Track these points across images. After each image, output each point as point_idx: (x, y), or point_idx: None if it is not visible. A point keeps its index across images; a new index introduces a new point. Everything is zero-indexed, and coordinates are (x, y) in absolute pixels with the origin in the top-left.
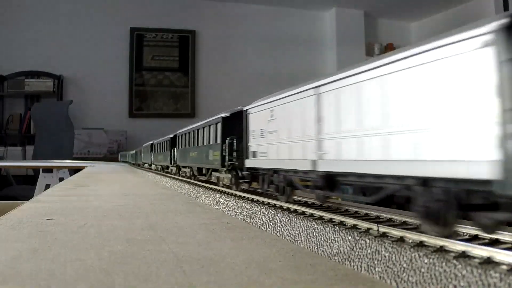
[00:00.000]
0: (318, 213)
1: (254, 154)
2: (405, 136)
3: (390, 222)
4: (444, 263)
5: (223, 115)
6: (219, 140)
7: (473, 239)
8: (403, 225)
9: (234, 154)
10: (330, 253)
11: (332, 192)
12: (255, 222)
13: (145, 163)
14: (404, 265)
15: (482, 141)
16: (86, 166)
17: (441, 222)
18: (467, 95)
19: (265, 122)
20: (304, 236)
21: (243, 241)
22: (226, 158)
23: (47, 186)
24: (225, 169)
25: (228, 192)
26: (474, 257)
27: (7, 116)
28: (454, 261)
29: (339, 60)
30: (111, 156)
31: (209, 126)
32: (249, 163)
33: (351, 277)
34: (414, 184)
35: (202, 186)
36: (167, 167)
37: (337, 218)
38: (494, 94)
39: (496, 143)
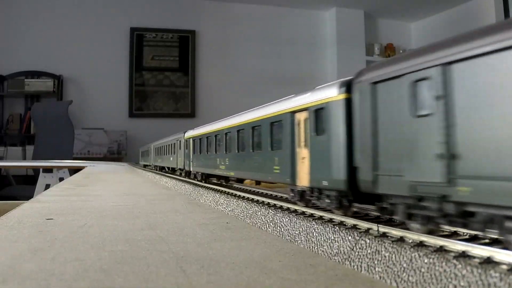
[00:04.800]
0: (318, 213)
1: None
2: None
3: (390, 222)
4: (444, 263)
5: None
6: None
7: (473, 239)
8: (403, 225)
9: None
10: (330, 253)
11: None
12: (255, 222)
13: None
14: (404, 265)
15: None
16: (86, 166)
17: None
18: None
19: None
20: (304, 236)
21: (243, 241)
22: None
23: (47, 186)
24: None
25: (228, 192)
26: (474, 257)
27: (7, 116)
28: (454, 261)
29: (339, 60)
30: (111, 156)
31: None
32: None
33: (351, 277)
34: None
35: (202, 186)
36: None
37: (337, 218)
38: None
39: None
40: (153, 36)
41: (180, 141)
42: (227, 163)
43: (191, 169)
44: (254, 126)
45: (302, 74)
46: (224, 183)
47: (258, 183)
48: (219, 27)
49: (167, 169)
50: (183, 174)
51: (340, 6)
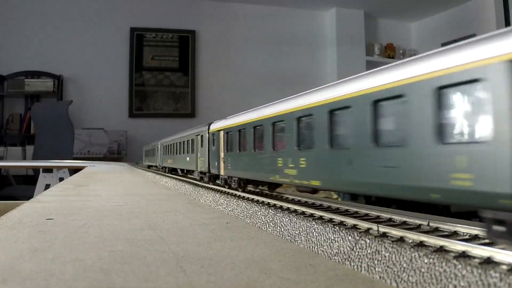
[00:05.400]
0: (318, 213)
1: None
2: None
3: (390, 222)
4: (444, 263)
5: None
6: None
7: (473, 239)
8: (403, 225)
9: None
10: (330, 253)
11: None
12: (255, 222)
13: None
14: (404, 265)
15: None
16: (86, 166)
17: None
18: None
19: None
20: (304, 236)
21: (243, 241)
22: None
23: (47, 186)
24: None
25: (228, 192)
26: (474, 257)
27: (7, 116)
28: (454, 261)
29: (339, 60)
30: (111, 156)
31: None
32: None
33: (351, 277)
34: None
35: (202, 186)
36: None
37: (337, 218)
38: None
39: None
40: (153, 36)
41: (201, 135)
42: (301, 166)
43: (221, 173)
44: (379, 100)
45: (302, 74)
46: (266, 192)
47: (354, 197)
48: (219, 27)
49: (180, 172)
50: (205, 179)
51: (340, 6)
